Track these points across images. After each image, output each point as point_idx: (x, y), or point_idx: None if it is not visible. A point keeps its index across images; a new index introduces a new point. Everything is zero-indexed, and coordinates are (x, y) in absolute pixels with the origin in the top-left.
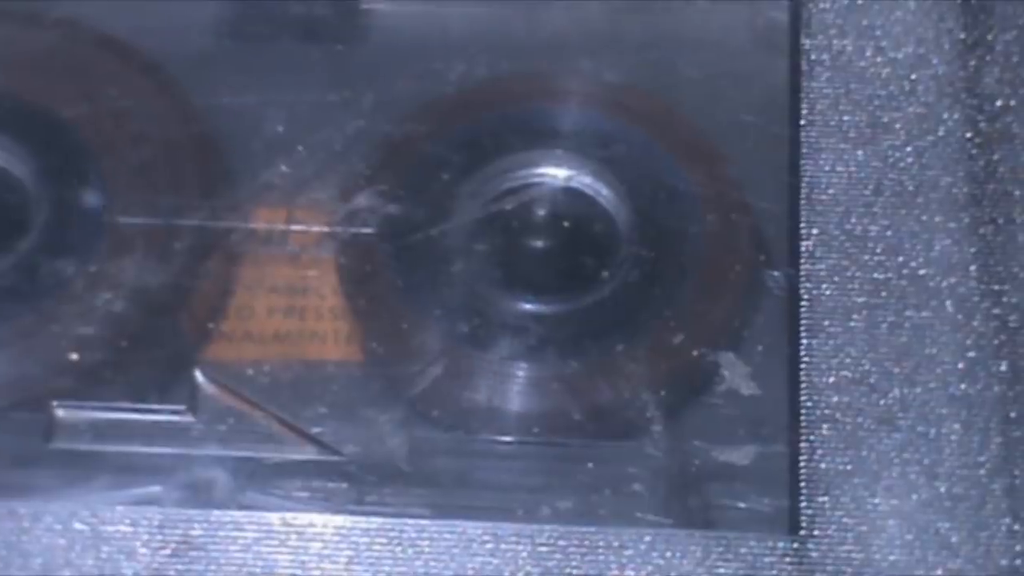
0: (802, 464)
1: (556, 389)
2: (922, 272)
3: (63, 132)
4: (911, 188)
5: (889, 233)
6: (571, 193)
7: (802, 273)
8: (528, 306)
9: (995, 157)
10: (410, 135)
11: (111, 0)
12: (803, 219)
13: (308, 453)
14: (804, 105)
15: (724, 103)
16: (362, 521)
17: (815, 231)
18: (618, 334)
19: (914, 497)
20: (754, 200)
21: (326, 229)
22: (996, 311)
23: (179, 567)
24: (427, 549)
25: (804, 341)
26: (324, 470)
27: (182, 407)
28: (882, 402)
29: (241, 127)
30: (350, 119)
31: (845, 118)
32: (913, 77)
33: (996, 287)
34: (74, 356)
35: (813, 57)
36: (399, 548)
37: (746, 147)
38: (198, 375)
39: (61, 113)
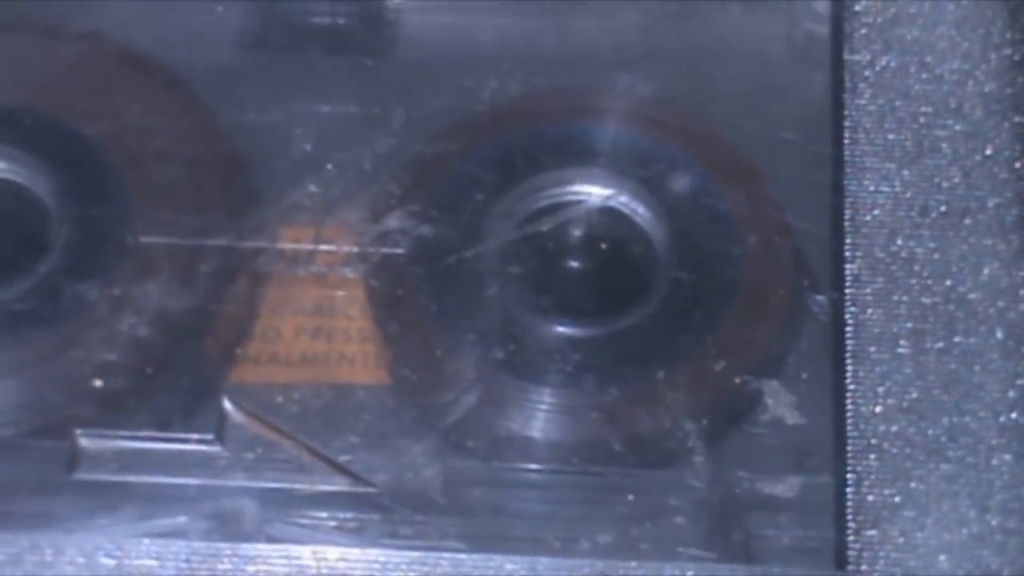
0: (849, 496)
1: (593, 417)
2: (971, 297)
3: (85, 149)
4: (958, 209)
5: (936, 256)
6: (607, 213)
7: (847, 297)
8: (564, 330)
9: None
10: (441, 153)
11: (135, 13)
12: (847, 241)
13: (339, 484)
14: (847, 122)
15: (763, 119)
16: (396, 555)
17: (860, 254)
18: (657, 360)
19: (964, 531)
20: (796, 221)
21: (355, 249)
22: None
23: None
24: None
25: (850, 368)
26: (356, 501)
27: (209, 436)
28: (930, 432)
29: (268, 144)
30: (380, 136)
31: (890, 136)
32: (959, 94)
33: None
34: (97, 383)
35: (856, 72)
36: None
37: (787, 165)
38: (226, 402)
39: (83, 130)
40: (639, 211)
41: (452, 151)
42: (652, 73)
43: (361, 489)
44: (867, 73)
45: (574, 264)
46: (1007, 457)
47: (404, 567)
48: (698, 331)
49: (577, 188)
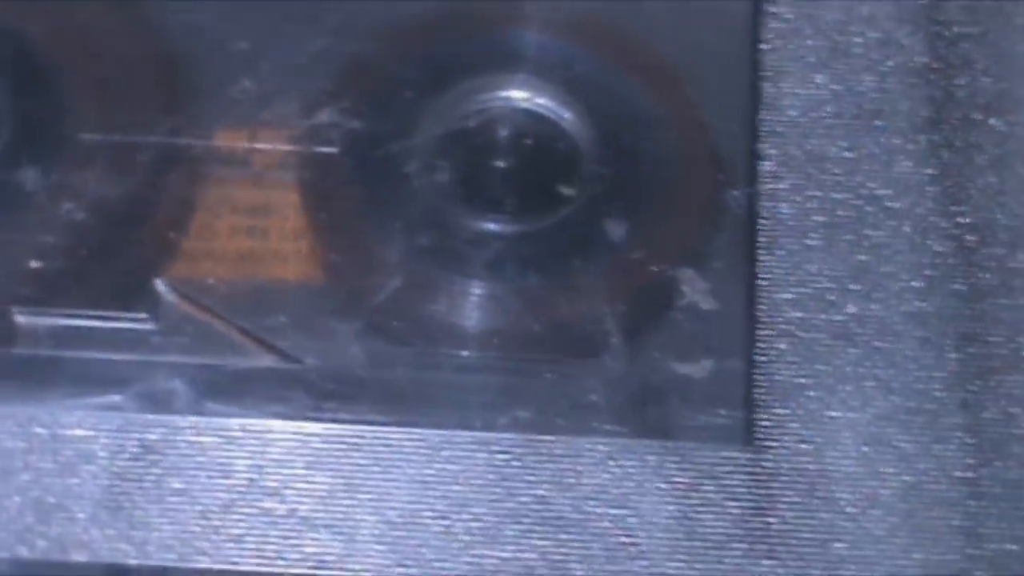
0: (758, 377)
1: (516, 305)
2: (880, 192)
3: (25, 48)
4: (870, 111)
5: (848, 154)
6: (534, 115)
7: (761, 192)
8: (489, 224)
9: (954, 82)
10: (374, 54)
11: None
12: (763, 140)
13: (267, 361)
14: (765, 29)
15: (686, 28)
16: (320, 428)
17: (774, 152)
18: (579, 252)
19: (869, 410)
20: (715, 121)
21: (289, 148)
22: (953, 231)
23: (138, 471)
24: (384, 456)
25: (762, 258)
26: (283, 378)
27: (143, 315)
28: (839, 318)
29: (204, 42)
30: (315, 36)
31: (807, 42)
32: (872, 3)
33: (953, 207)
34: (34, 264)
35: None
36: (357, 455)
37: (708, 71)
38: (159, 284)
39: (23, 29)
40: (563, 113)
41: (385, 52)
42: None
43: (289, 366)
44: None
45: (500, 161)
46: (912, 342)
47: (330, 440)
48: (618, 224)
49: (504, 92)
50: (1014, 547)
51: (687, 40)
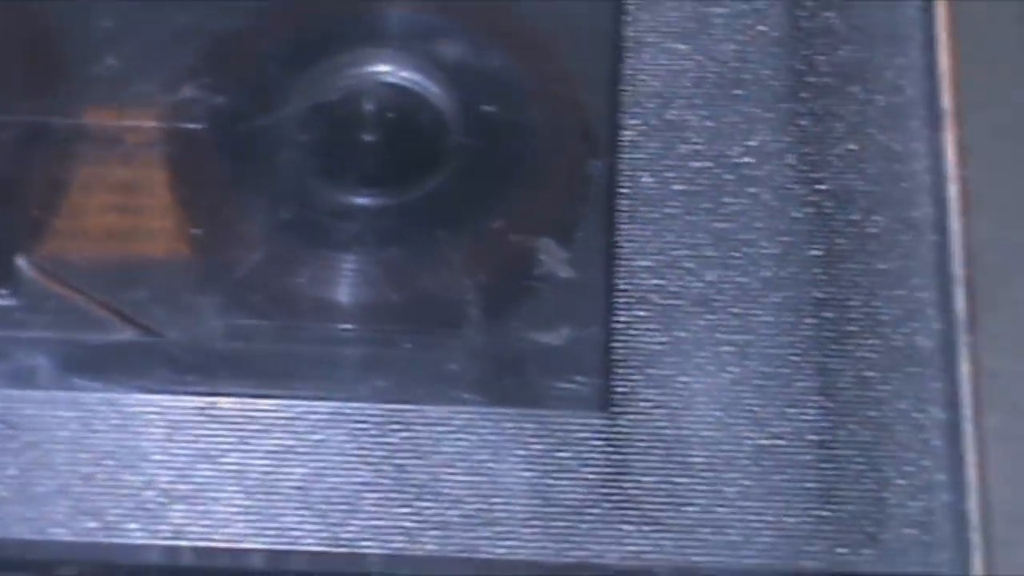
0: (616, 344)
1: (377, 278)
2: (739, 161)
3: None
4: (731, 80)
5: (709, 123)
6: (399, 89)
7: (621, 162)
8: (352, 198)
9: (814, 51)
10: (239, 31)
11: None
12: (623, 110)
13: (129, 335)
14: (628, 1)
15: (557, 3)
16: (181, 400)
17: (635, 121)
18: (441, 224)
19: (725, 375)
20: (580, 92)
21: (155, 124)
22: (811, 197)
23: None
24: (245, 427)
25: (621, 227)
26: (145, 351)
27: (4, 292)
28: (697, 285)
29: (67, 22)
30: (179, 13)
31: (669, 13)
32: None
33: (812, 174)
34: None
35: None
36: (217, 426)
37: (573, 43)
38: (20, 262)
39: None
40: (430, 87)
41: (249, 28)
42: None
43: (150, 340)
44: None
45: (364, 135)
46: (769, 308)
47: (188, 412)
48: (479, 196)
49: (369, 67)
50: (867, 508)
51: (552, 12)
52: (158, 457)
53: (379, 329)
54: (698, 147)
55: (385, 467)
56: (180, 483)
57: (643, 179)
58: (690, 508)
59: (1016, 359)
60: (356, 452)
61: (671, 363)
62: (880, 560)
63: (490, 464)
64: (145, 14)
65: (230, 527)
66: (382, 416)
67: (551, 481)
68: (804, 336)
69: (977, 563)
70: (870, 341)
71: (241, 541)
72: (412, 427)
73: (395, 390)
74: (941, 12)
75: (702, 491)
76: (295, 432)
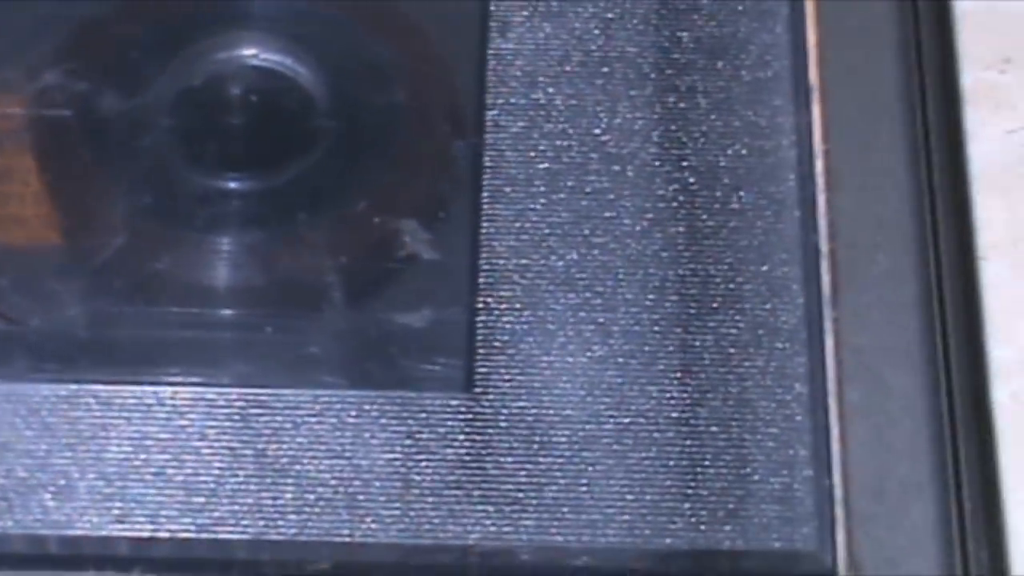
0: (479, 325)
1: (241, 262)
2: (604, 139)
3: None
4: (597, 59)
5: (573, 102)
6: (265, 72)
7: (486, 142)
8: (216, 181)
9: (680, 27)
10: (102, 17)
11: None
12: (489, 90)
13: None
14: None
15: None
16: (40, 389)
17: (500, 101)
18: (306, 207)
19: (588, 354)
20: (447, 74)
21: (19, 111)
22: (676, 175)
23: None
24: (106, 414)
25: (485, 207)
26: (3, 340)
27: None
28: (560, 264)
29: None
30: (41, 2)
31: None
32: None
33: (676, 152)
34: None
35: None
36: (76, 414)
37: (441, 23)
38: None
39: None
40: (298, 69)
41: (113, 14)
42: None
43: (10, 328)
44: None
45: (228, 118)
46: (632, 286)
47: (50, 400)
48: (345, 178)
49: (237, 51)
50: (729, 485)
51: None
52: (19, 446)
53: (241, 313)
54: (563, 126)
55: (246, 452)
56: (40, 472)
57: (508, 159)
58: (552, 488)
59: (878, 334)
60: (217, 437)
61: (534, 343)
62: (742, 536)
63: (352, 447)
64: (6, 2)
65: (93, 515)
66: (243, 401)
67: (412, 463)
68: (667, 314)
69: (840, 537)
70: (733, 318)
71: (103, 529)
72: (273, 411)
73: (256, 374)
74: None
75: (564, 471)
76: (156, 418)
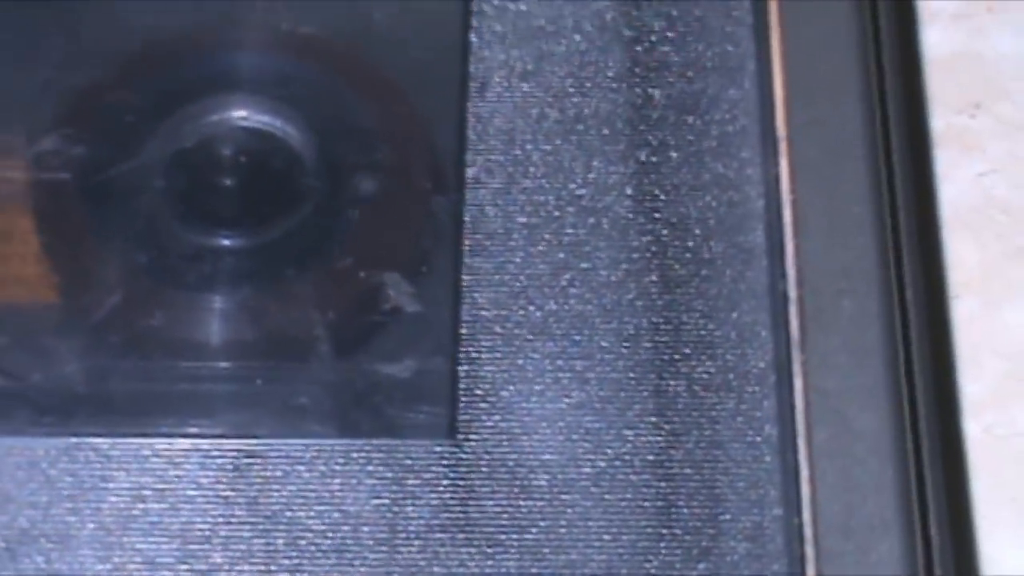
0: (461, 374)
1: (231, 316)
2: (580, 193)
3: None
4: (573, 116)
5: (551, 158)
6: (255, 133)
7: (467, 198)
8: (207, 239)
9: (652, 85)
10: (98, 83)
11: None
12: (468, 147)
13: None
14: (474, 43)
15: (401, 44)
16: (40, 443)
17: (479, 158)
18: (294, 263)
19: (566, 400)
20: (428, 132)
21: (19, 174)
22: (649, 226)
23: None
24: (103, 466)
25: (466, 260)
26: (5, 396)
27: None
28: (539, 314)
29: None
30: (39, 68)
31: (512, 52)
32: (577, 13)
33: (649, 204)
34: None
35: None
36: (75, 466)
37: (421, 84)
38: None
39: None
40: (285, 129)
41: (107, 81)
42: (309, 11)
43: (11, 385)
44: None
45: (221, 179)
46: (607, 334)
47: (51, 453)
48: (331, 234)
49: (227, 113)
50: (702, 524)
51: (402, 55)
52: (20, 498)
53: (233, 366)
54: (540, 181)
55: (239, 500)
56: (41, 522)
57: (488, 213)
58: (533, 530)
59: (844, 376)
60: (211, 486)
61: (514, 390)
62: (715, 573)
63: (340, 493)
64: (5, 69)
65: (93, 564)
66: (235, 450)
67: (399, 508)
68: (641, 360)
69: (810, 573)
70: (705, 363)
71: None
72: (265, 460)
73: (248, 424)
74: (775, 43)
75: (544, 513)
76: (152, 469)
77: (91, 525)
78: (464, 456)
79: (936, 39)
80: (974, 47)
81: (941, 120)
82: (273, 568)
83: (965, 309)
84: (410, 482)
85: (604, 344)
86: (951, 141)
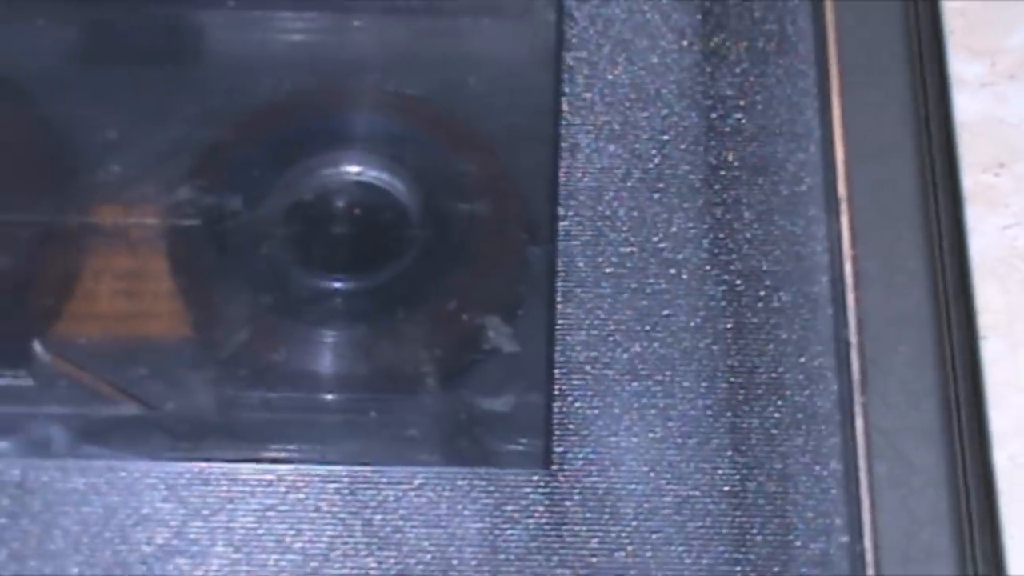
0: (555, 410)
1: (347, 352)
2: (661, 246)
3: None
4: (654, 175)
5: (635, 214)
6: (367, 186)
7: (559, 248)
8: (325, 282)
9: (726, 148)
10: (226, 139)
11: None
12: (561, 203)
13: (131, 409)
14: (565, 108)
15: (502, 109)
16: (177, 467)
17: (571, 213)
18: (402, 305)
19: (650, 435)
20: (523, 188)
21: (156, 221)
22: (724, 277)
23: (15, 510)
24: (232, 488)
25: (559, 306)
26: (144, 424)
27: (22, 372)
28: (625, 356)
29: (77, 133)
30: (174, 125)
31: (600, 117)
32: (658, 82)
33: (724, 257)
34: None
35: (573, 67)
36: (208, 488)
37: (518, 144)
38: (36, 345)
39: None
40: (394, 184)
41: (236, 137)
42: (413, 76)
43: (148, 413)
44: (583, 68)
45: (336, 227)
46: (688, 375)
47: (185, 476)
48: (436, 279)
49: (342, 168)
50: (774, 550)
51: (499, 118)
52: (157, 517)
53: (348, 398)
54: (626, 234)
55: (354, 522)
56: (176, 540)
57: (578, 263)
58: (620, 554)
59: (901, 416)
60: (328, 509)
61: (603, 425)
62: None
63: (446, 517)
64: (143, 126)
65: None
66: (350, 477)
67: (499, 531)
68: (717, 399)
69: None
70: (775, 403)
71: None
72: (377, 486)
73: (362, 453)
74: (836, 111)
75: (631, 538)
76: (276, 492)
77: (221, 543)
78: (558, 484)
79: (964, 104)
80: (997, 113)
81: (970, 178)
82: None
83: (992, 349)
84: (508, 507)
85: (684, 384)
86: (978, 197)
